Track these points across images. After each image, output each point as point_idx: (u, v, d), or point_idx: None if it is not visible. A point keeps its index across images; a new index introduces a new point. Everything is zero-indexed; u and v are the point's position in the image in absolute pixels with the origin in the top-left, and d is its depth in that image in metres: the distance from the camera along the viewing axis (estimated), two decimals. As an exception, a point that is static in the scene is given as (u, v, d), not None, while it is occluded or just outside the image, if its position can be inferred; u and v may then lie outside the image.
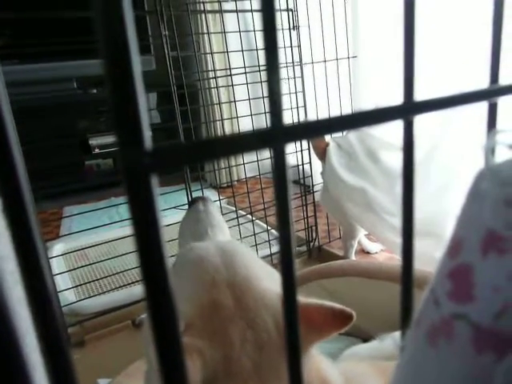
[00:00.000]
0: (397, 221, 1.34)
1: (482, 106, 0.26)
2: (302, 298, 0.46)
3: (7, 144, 0.15)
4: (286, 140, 0.14)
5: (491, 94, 0.21)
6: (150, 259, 0.13)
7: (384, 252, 1.76)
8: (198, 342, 0.41)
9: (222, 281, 0.48)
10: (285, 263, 0.16)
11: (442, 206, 1.25)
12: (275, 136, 0.14)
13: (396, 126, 0.21)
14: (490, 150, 0.19)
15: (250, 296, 0.46)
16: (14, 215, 0.16)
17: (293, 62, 1.67)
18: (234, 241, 0.61)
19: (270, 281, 0.50)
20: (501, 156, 0.20)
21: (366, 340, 1.07)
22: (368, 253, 1.77)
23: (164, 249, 0.13)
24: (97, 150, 2.94)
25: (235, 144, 0.14)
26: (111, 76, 0.13)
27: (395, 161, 1.42)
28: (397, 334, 0.23)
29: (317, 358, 0.47)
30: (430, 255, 1.18)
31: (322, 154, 1.59)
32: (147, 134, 0.12)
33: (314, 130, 0.15)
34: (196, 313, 0.44)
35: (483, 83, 0.26)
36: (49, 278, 0.17)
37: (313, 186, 1.83)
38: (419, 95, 0.20)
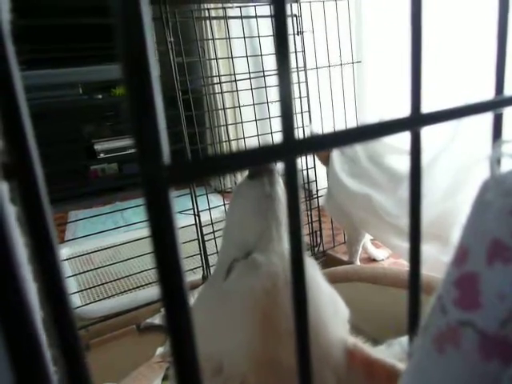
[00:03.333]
0: (401, 222, 1.34)
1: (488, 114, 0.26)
2: (370, 350, 0.42)
3: (27, 149, 0.16)
4: (297, 153, 0.15)
5: (497, 104, 0.21)
6: (168, 268, 0.14)
7: (390, 258, 1.75)
8: None
9: (286, 330, 0.41)
10: (295, 273, 0.16)
11: (449, 208, 1.25)
12: (287, 150, 0.15)
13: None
14: (496, 161, 0.20)
15: (313, 352, 0.41)
16: (33, 220, 0.16)
17: (297, 67, 1.68)
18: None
19: (335, 320, 0.44)
20: (506, 166, 0.20)
21: (372, 345, 1.07)
22: (375, 260, 1.76)
23: (181, 258, 0.14)
24: (102, 155, 2.96)
25: (249, 157, 0.14)
26: (131, 89, 0.13)
27: (399, 163, 1.42)
28: (404, 340, 0.23)
29: None
30: (435, 259, 1.18)
31: (326, 160, 1.59)
32: (165, 149, 0.13)
33: (323, 144, 0.16)
34: (252, 369, 0.40)
35: (489, 89, 0.27)
36: (66, 283, 0.18)
37: (317, 190, 1.83)
38: (424, 101, 0.21)
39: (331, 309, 0.45)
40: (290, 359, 0.37)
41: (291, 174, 0.15)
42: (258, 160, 0.15)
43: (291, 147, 0.15)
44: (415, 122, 0.18)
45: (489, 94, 0.24)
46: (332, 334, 0.43)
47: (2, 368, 0.16)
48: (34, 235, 0.15)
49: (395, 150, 1.43)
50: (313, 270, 0.48)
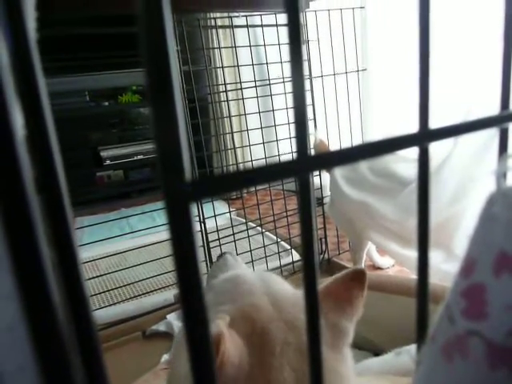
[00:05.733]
0: (399, 227, 1.33)
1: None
2: (321, 285, 0.47)
3: (54, 167, 0.16)
4: (311, 169, 0.16)
5: (503, 120, 0.22)
6: (188, 276, 0.14)
7: (396, 267, 1.74)
8: (239, 340, 0.40)
9: (258, 290, 0.48)
10: (308, 287, 0.17)
11: (450, 217, 1.25)
12: (301, 166, 0.15)
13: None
14: (502, 174, 0.20)
15: (286, 302, 0.46)
16: (60, 231, 0.17)
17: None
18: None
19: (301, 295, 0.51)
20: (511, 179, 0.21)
21: (376, 353, 1.07)
22: (379, 268, 1.76)
23: (200, 268, 0.14)
24: (108, 162, 2.98)
25: (265, 174, 0.15)
26: (155, 104, 0.14)
27: (400, 169, 1.42)
28: (412, 349, 0.24)
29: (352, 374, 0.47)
30: (437, 267, 1.18)
31: None
32: (187, 166, 0.14)
33: (335, 161, 0.16)
34: (237, 314, 0.44)
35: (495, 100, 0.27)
36: (85, 285, 0.18)
37: (322, 197, 1.83)
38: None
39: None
40: (267, 305, 0.44)
41: (305, 189, 0.16)
42: (272, 175, 0.15)
43: (305, 164, 0.15)
44: (423, 137, 0.19)
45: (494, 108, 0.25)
46: (299, 294, 0.48)
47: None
48: (60, 244, 0.16)
49: (397, 157, 1.44)
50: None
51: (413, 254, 1.36)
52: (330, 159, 0.16)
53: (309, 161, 0.15)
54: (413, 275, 1.46)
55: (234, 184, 0.15)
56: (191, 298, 0.15)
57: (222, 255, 0.72)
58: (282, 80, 1.67)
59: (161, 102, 0.13)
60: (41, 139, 0.16)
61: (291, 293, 0.50)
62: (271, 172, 0.15)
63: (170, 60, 0.14)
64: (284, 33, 1.62)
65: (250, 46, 1.62)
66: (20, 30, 0.15)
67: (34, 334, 0.15)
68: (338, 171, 1.54)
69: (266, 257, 1.67)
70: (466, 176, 1.24)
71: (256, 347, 0.41)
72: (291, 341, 0.42)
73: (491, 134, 1.13)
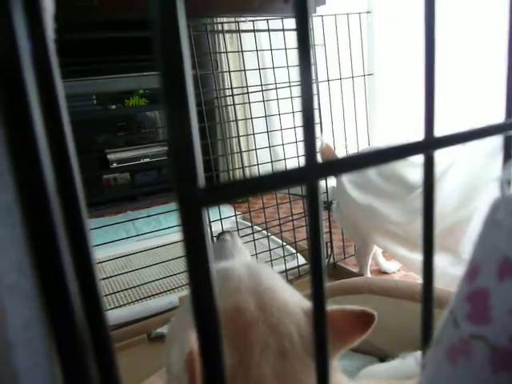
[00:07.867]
0: (406, 230, 1.33)
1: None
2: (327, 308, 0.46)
3: (71, 170, 0.17)
4: (320, 176, 0.16)
5: (507, 127, 0.22)
6: (200, 278, 0.15)
7: (402, 271, 1.74)
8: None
9: (245, 288, 0.47)
10: (316, 293, 0.17)
11: (458, 221, 1.25)
12: (310, 173, 0.16)
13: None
14: (506, 181, 0.21)
15: (273, 304, 0.46)
16: (72, 221, 0.18)
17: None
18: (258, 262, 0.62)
19: (292, 295, 0.50)
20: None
21: (382, 359, 1.06)
22: (385, 272, 1.75)
23: (212, 271, 0.15)
24: (115, 165, 3.00)
25: (273, 181, 0.15)
26: (170, 113, 0.15)
27: (407, 173, 1.41)
28: (419, 354, 0.24)
29: (339, 376, 0.48)
30: (443, 271, 1.18)
31: None
32: (201, 173, 0.14)
33: (343, 168, 0.17)
34: (221, 316, 0.44)
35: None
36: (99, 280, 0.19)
37: (328, 201, 1.83)
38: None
39: (287, 287, 0.52)
40: (252, 307, 0.44)
41: (313, 196, 0.16)
42: (280, 182, 0.16)
43: (314, 171, 0.16)
44: (429, 145, 0.19)
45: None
46: (288, 297, 0.48)
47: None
48: (76, 243, 0.16)
49: (405, 161, 1.43)
50: (269, 268, 0.56)
51: (420, 257, 1.35)
52: (337, 166, 0.17)
53: (318, 168, 0.16)
54: (419, 280, 1.45)
55: (245, 190, 0.15)
56: (203, 299, 0.15)
57: (222, 234, 0.71)
58: (288, 84, 1.68)
59: (175, 106, 0.14)
60: (58, 142, 0.17)
61: (279, 291, 0.49)
62: (281, 179, 0.15)
63: (184, 63, 0.15)
64: (290, 37, 1.63)
65: (256, 50, 1.63)
66: (40, 39, 0.16)
67: (53, 332, 0.15)
68: (345, 176, 1.54)
69: (271, 260, 1.67)
70: (473, 181, 1.24)
71: (237, 349, 0.41)
72: (272, 345, 0.42)
73: (499, 140, 1.12)
